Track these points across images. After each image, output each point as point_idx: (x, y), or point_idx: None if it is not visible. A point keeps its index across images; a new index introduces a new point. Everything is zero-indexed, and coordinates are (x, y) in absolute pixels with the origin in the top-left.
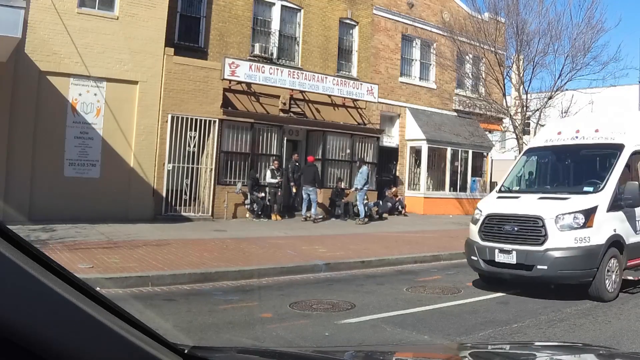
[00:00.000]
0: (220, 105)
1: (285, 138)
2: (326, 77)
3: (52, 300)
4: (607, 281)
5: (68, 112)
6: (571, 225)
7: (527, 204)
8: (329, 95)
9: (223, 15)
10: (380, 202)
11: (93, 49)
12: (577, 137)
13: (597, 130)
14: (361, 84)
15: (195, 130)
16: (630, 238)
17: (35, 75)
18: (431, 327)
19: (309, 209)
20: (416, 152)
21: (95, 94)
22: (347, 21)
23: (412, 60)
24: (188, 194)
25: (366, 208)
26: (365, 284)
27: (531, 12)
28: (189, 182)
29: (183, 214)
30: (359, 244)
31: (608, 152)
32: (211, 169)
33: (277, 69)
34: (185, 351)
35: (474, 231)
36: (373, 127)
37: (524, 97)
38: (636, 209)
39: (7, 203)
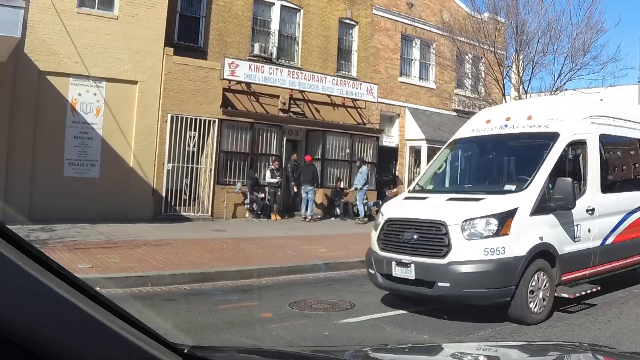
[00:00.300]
0: (219, 105)
1: (285, 138)
2: (326, 77)
3: (51, 300)
4: (530, 301)
5: (67, 112)
6: (481, 232)
7: (432, 207)
8: (329, 95)
9: (223, 15)
10: (380, 202)
11: (93, 48)
12: (506, 126)
13: (529, 118)
14: (361, 84)
15: (195, 130)
16: (566, 247)
17: (34, 75)
18: (431, 327)
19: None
20: (416, 152)
21: (94, 94)
22: (347, 21)
23: (412, 60)
24: (188, 193)
25: (366, 208)
26: (365, 284)
27: (531, 12)
28: (188, 182)
29: (183, 213)
30: (359, 244)
31: (540, 143)
32: (211, 169)
33: (277, 69)
34: (185, 351)
35: (373, 239)
36: (373, 127)
37: (523, 97)
38: (573, 212)
39: (7, 203)
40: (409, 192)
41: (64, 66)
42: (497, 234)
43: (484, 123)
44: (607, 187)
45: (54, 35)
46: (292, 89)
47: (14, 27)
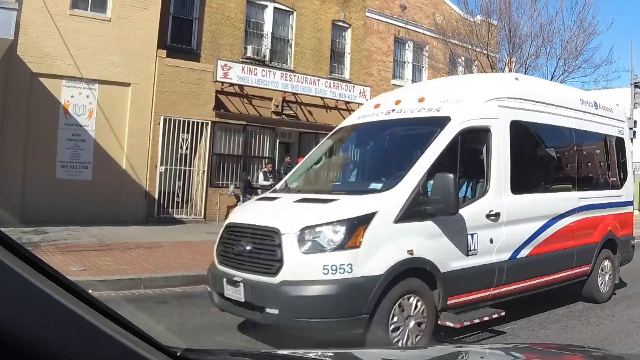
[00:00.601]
0: (212, 108)
1: (278, 140)
2: (318, 80)
3: (44, 303)
4: (394, 332)
5: (60, 114)
6: (322, 245)
7: (273, 210)
8: (322, 98)
9: (215, 17)
10: None
11: (85, 50)
12: (393, 111)
13: (421, 100)
14: (353, 87)
15: (188, 132)
16: (453, 263)
17: (27, 77)
18: None
19: None
20: None
21: (87, 96)
22: (340, 23)
23: (405, 62)
24: (180, 196)
25: None
26: None
27: (523, 15)
28: (181, 185)
29: (175, 216)
30: None
31: (425, 131)
32: (203, 171)
33: (270, 71)
34: (178, 354)
35: (214, 249)
36: None
37: None
38: (467, 217)
39: None
40: (270, 191)
41: (57, 68)
42: (342, 246)
43: (372, 108)
44: (521, 186)
45: (46, 36)
46: (285, 92)
47: (7, 29)
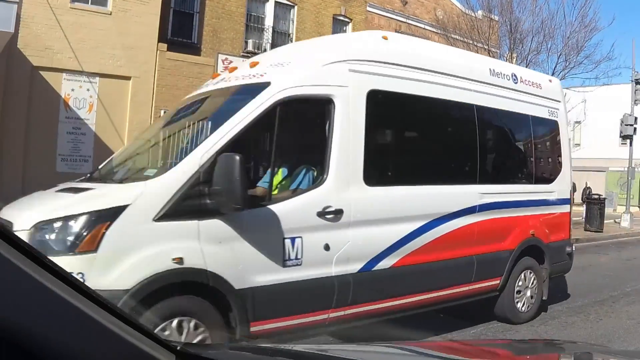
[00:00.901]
0: None
1: None
2: None
3: (45, 297)
4: None
5: (60, 107)
6: (52, 245)
7: (30, 200)
8: None
9: (216, 11)
10: None
11: (86, 44)
12: (223, 80)
13: (254, 65)
14: None
15: None
16: (258, 276)
17: (27, 71)
18: (421, 324)
19: None
20: None
21: (88, 89)
22: (341, 18)
23: None
24: None
25: None
26: None
27: (525, 11)
28: None
29: None
30: None
31: (237, 101)
32: None
33: None
34: (178, 347)
35: None
36: None
37: None
38: (279, 213)
39: None
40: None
41: (57, 61)
42: (72, 249)
43: (210, 79)
44: (382, 176)
45: (47, 30)
46: None
47: (7, 22)
